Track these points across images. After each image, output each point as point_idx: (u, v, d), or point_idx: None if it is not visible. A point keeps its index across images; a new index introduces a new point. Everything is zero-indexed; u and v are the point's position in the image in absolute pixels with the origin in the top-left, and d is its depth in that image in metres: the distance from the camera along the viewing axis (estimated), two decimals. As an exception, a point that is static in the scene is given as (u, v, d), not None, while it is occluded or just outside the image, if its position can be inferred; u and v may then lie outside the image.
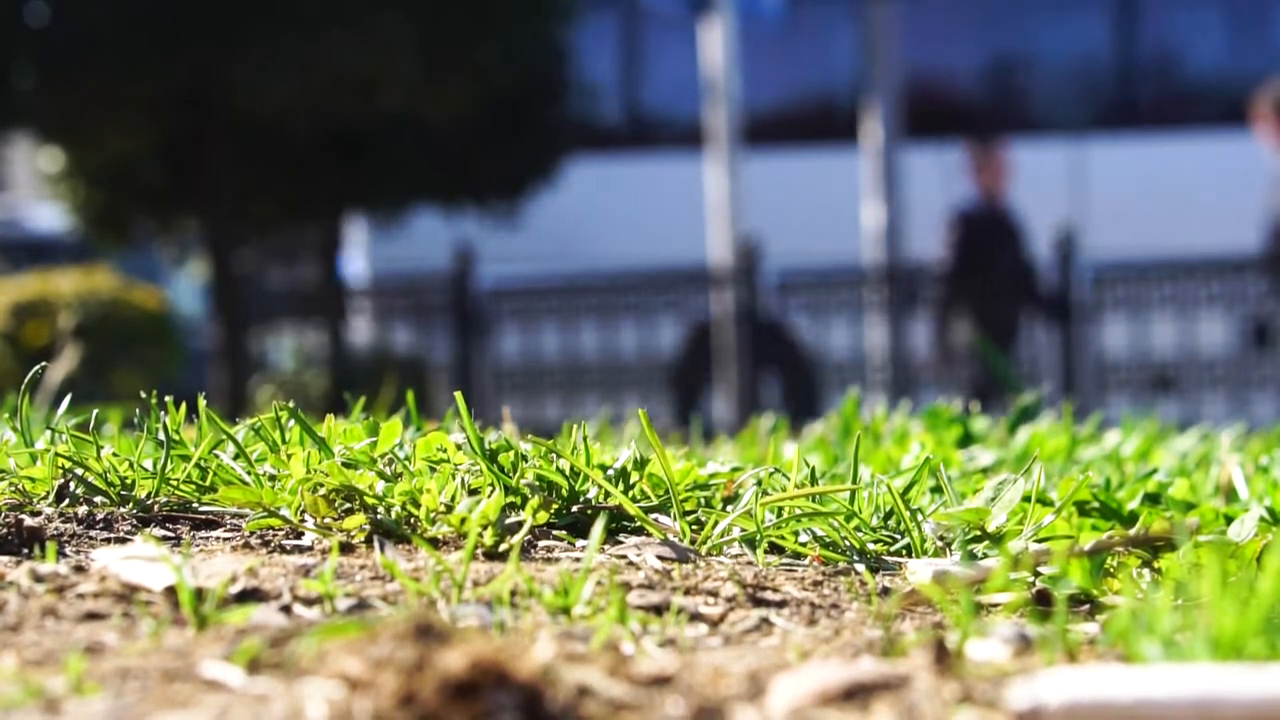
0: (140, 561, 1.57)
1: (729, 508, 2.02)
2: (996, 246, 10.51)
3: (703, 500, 2.07)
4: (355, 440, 2.07)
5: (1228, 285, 11.92)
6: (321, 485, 1.89)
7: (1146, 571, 1.83)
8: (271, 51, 12.69)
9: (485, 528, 1.78)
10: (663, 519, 1.98)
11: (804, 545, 1.90)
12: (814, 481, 2.01)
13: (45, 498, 2.04)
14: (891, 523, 1.99)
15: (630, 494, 2.02)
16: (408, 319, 13.76)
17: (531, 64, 15.02)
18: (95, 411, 2.30)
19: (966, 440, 2.99)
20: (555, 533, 1.93)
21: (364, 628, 1.22)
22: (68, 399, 2.31)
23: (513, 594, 1.55)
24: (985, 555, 1.85)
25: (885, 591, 1.73)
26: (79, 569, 1.64)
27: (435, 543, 1.80)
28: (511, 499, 1.94)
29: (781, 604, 1.63)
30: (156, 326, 13.00)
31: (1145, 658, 1.19)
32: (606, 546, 1.86)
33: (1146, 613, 1.23)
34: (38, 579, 1.58)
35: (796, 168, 14.17)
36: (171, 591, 1.51)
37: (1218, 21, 14.24)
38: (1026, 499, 1.90)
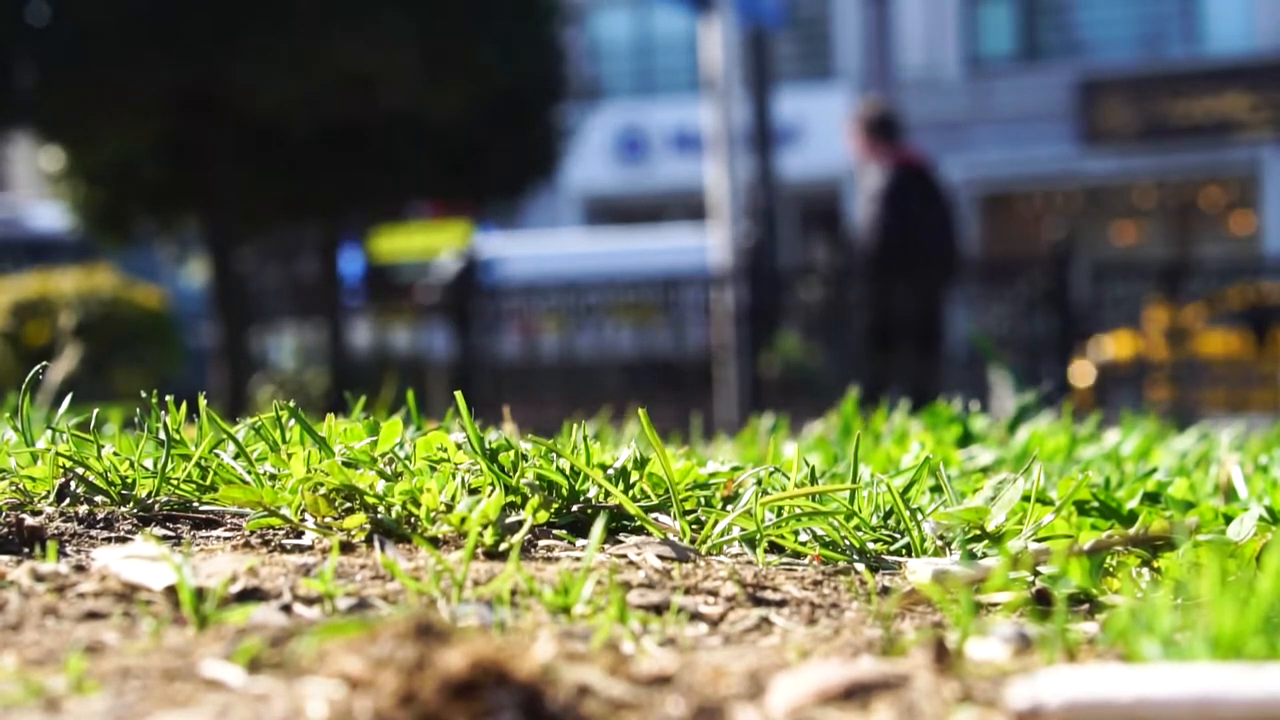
0: (141, 561, 1.57)
1: (729, 507, 2.02)
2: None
3: (703, 500, 2.08)
4: (356, 439, 2.07)
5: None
6: (322, 485, 1.89)
7: (1146, 571, 1.84)
8: (272, 51, 12.68)
9: (485, 527, 1.78)
10: (663, 518, 1.98)
11: (804, 545, 1.90)
12: (814, 481, 2.01)
13: (46, 497, 2.04)
14: (891, 522, 1.99)
15: (630, 493, 2.03)
16: None
17: (531, 63, 15.00)
18: (96, 411, 2.30)
19: (966, 439, 2.99)
20: (555, 532, 1.93)
21: (364, 627, 1.23)
22: (68, 398, 2.32)
23: (513, 593, 1.55)
24: (985, 554, 1.85)
25: (885, 591, 1.73)
26: (79, 568, 1.64)
27: (435, 542, 1.80)
28: (512, 498, 1.94)
29: (781, 603, 1.63)
30: (156, 325, 12.99)
31: (1145, 657, 1.19)
32: (607, 546, 1.86)
33: (1146, 612, 1.23)
34: (38, 578, 1.58)
35: None
36: (172, 591, 1.51)
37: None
38: (1026, 498, 1.91)
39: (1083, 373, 12.99)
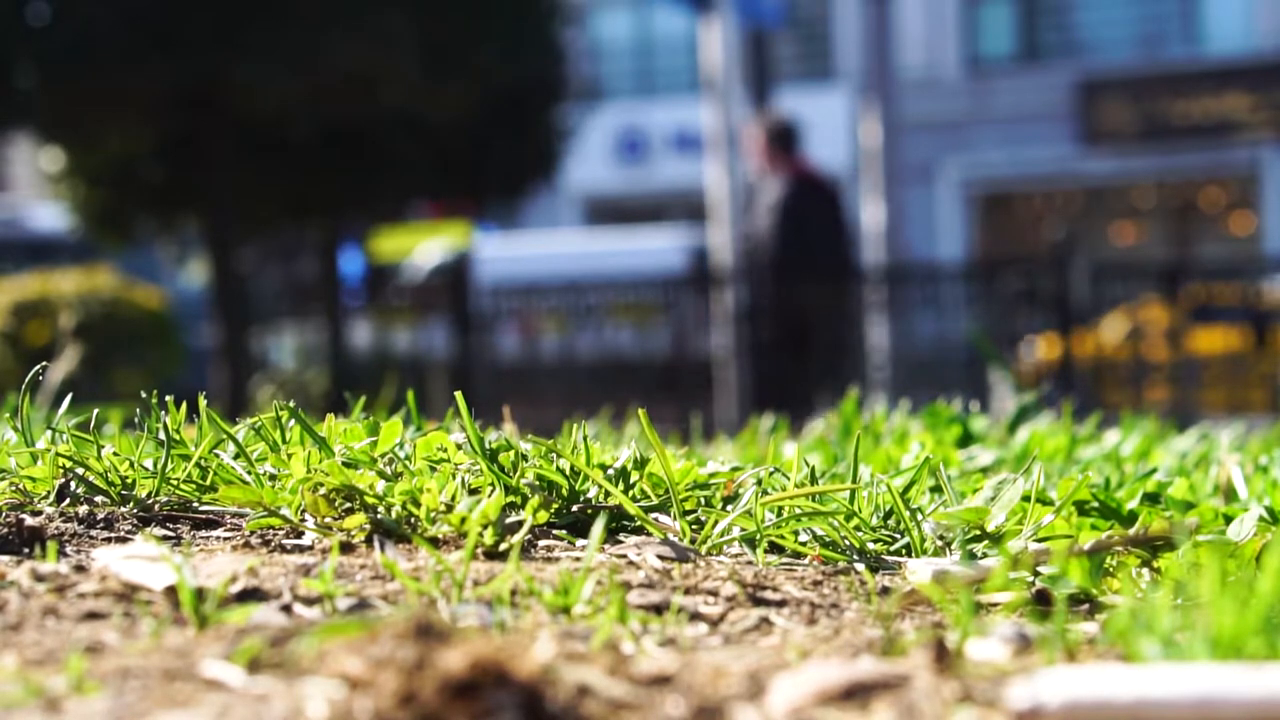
0: (141, 561, 1.57)
1: (729, 507, 2.02)
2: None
3: (703, 500, 2.08)
4: (356, 440, 2.07)
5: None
6: (322, 485, 1.89)
7: (1146, 571, 1.84)
8: (272, 51, 12.68)
9: (485, 527, 1.78)
10: (663, 518, 1.98)
11: (804, 545, 1.90)
12: (814, 481, 2.01)
13: (46, 497, 2.04)
14: (891, 522, 1.99)
15: (630, 493, 2.03)
16: None
17: (531, 63, 14.99)
18: (96, 411, 2.30)
19: (966, 440, 2.99)
20: (555, 532, 1.93)
21: (364, 627, 1.23)
22: (68, 398, 2.32)
23: (513, 593, 1.55)
24: (985, 555, 1.85)
25: (885, 591, 1.73)
26: (80, 568, 1.64)
27: (435, 542, 1.80)
28: (512, 498, 1.94)
29: (781, 603, 1.63)
30: (156, 326, 12.99)
31: (1145, 657, 1.19)
32: (607, 546, 1.86)
33: (1146, 612, 1.23)
34: (39, 578, 1.58)
35: None
36: (172, 591, 1.51)
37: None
38: (1026, 498, 1.91)
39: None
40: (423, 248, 25.71)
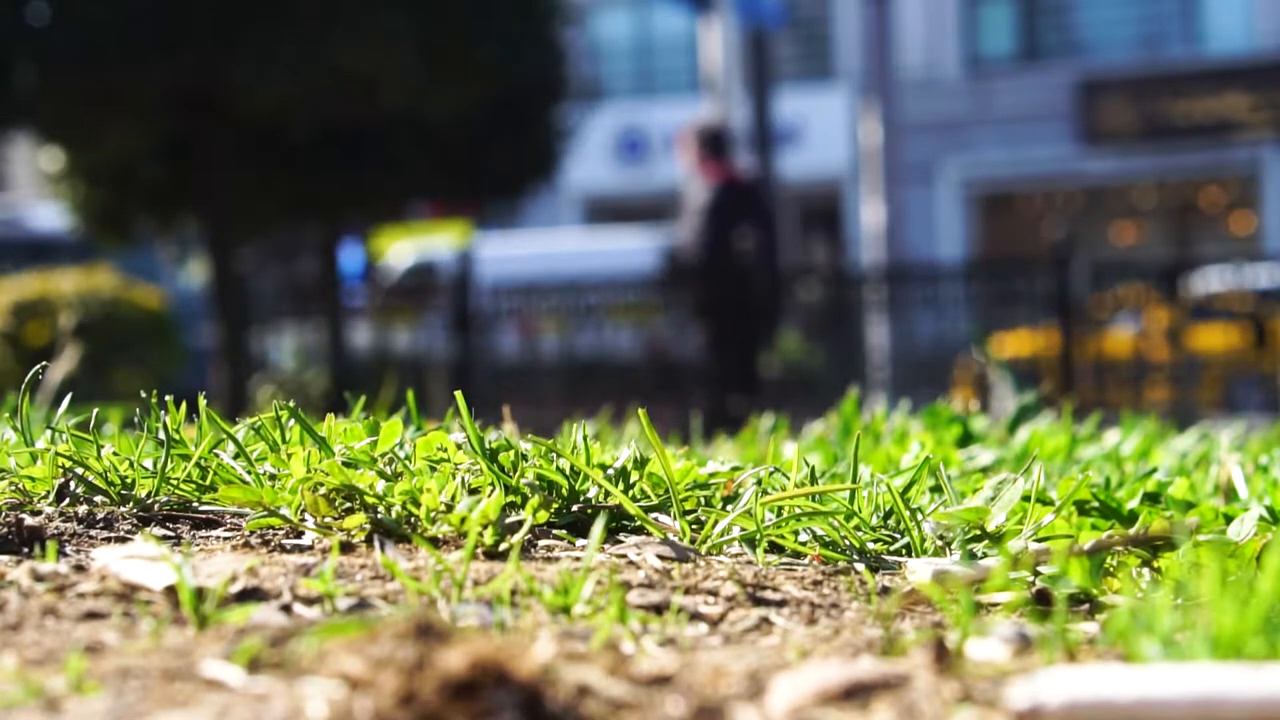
0: (140, 561, 1.57)
1: (729, 507, 2.02)
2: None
3: (703, 500, 2.08)
4: (355, 439, 2.07)
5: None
6: (322, 485, 1.89)
7: (1146, 571, 1.83)
8: (271, 51, 12.66)
9: (485, 527, 1.78)
10: (663, 518, 1.98)
11: (804, 545, 1.90)
12: (814, 481, 2.01)
13: (46, 497, 2.04)
14: (891, 522, 1.99)
15: (630, 493, 2.03)
16: None
17: (531, 63, 14.98)
18: (95, 411, 2.30)
19: (966, 439, 2.99)
20: (555, 532, 1.93)
21: (364, 627, 1.23)
22: (68, 398, 2.32)
23: (513, 593, 1.55)
24: (985, 555, 1.85)
25: (885, 591, 1.73)
26: (79, 568, 1.64)
27: (435, 542, 1.80)
28: (512, 498, 1.94)
29: (781, 603, 1.63)
30: (156, 326, 12.98)
31: (1145, 657, 1.19)
32: (607, 546, 1.86)
33: (1146, 612, 1.23)
34: (38, 578, 1.58)
35: None
36: (172, 591, 1.51)
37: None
38: (1026, 498, 1.91)
39: (964, 373, 13.10)
40: (396, 249, 25.74)
